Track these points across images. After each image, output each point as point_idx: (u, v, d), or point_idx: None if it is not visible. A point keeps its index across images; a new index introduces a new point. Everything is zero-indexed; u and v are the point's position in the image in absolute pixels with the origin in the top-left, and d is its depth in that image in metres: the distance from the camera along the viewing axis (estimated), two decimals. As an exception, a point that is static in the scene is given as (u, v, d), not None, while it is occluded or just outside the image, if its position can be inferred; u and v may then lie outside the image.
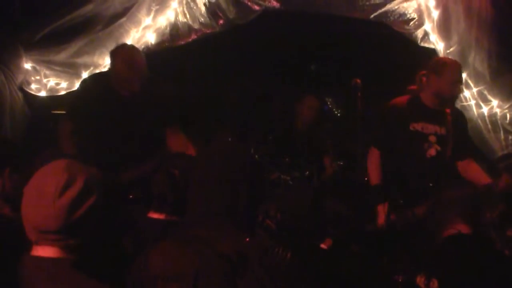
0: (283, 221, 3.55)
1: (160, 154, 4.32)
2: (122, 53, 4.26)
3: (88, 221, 2.07)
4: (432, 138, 4.41)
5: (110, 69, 4.38)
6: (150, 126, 4.39)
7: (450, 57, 4.61)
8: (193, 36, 4.94)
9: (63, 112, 4.69)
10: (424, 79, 4.43)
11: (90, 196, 2.08)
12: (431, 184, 4.16)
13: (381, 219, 4.11)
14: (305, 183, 4.61)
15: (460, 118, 4.53)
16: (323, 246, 2.81)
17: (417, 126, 4.43)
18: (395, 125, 4.37)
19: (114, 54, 4.31)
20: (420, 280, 2.92)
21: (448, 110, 4.46)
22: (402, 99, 4.49)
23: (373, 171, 4.52)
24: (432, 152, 4.41)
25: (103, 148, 4.30)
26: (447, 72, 4.32)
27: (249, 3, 4.83)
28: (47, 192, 2.00)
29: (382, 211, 4.09)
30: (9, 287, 1.98)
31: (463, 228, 2.85)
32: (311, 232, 3.16)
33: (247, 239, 2.04)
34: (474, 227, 2.82)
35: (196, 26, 4.89)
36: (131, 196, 4.11)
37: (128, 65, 4.21)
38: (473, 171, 4.45)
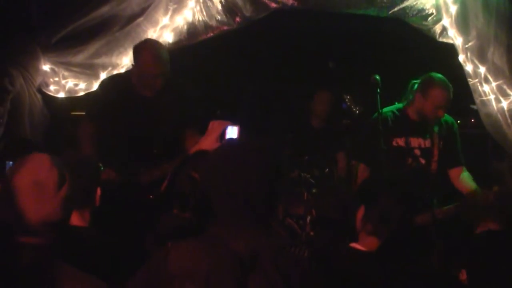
0: (314, 222, 3.54)
1: (180, 155, 4.32)
2: (148, 47, 4.22)
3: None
4: (417, 152, 4.49)
5: (132, 68, 4.33)
6: (172, 128, 4.38)
7: (468, 52, 4.59)
8: (210, 34, 4.94)
9: (82, 113, 4.71)
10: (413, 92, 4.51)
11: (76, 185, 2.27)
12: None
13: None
14: (343, 184, 4.64)
15: (448, 126, 4.61)
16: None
17: (400, 142, 4.49)
18: (376, 136, 4.32)
19: (139, 49, 4.25)
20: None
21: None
22: (386, 113, 4.51)
23: None
24: (415, 166, 4.49)
25: (123, 150, 4.30)
26: (432, 96, 4.38)
27: (266, 1, 4.81)
28: (47, 187, 2.12)
29: None
30: None
31: (492, 225, 2.92)
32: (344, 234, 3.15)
33: (262, 238, 2.05)
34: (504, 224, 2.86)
35: (213, 23, 4.89)
36: (151, 197, 4.11)
37: (154, 59, 4.16)
38: (462, 179, 4.54)
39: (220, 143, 2.90)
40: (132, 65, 4.33)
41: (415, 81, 4.57)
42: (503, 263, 2.72)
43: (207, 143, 3.00)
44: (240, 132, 3.00)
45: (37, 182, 2.11)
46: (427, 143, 4.53)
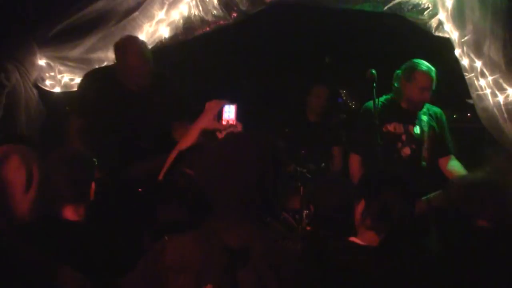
0: (314, 216, 3.53)
1: (174, 148, 4.31)
2: (132, 47, 4.24)
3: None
4: (404, 137, 4.61)
5: (114, 64, 4.37)
6: (160, 121, 4.40)
7: (465, 46, 4.58)
8: (206, 29, 4.94)
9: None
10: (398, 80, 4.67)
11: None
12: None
13: None
14: (342, 178, 4.69)
15: (437, 117, 4.75)
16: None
17: (390, 127, 4.62)
18: (369, 128, 4.38)
19: (122, 47, 4.27)
20: None
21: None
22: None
23: (355, 176, 4.65)
24: (406, 151, 4.62)
25: (111, 144, 4.30)
26: (416, 79, 4.55)
27: (262, -5, 4.82)
28: (15, 188, 2.12)
29: None
30: None
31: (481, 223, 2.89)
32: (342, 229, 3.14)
33: (256, 233, 2.06)
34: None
35: (209, 18, 4.88)
36: (140, 190, 4.11)
37: (140, 58, 4.19)
38: (450, 167, 4.68)
39: (217, 122, 2.88)
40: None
41: (398, 71, 4.72)
42: (494, 262, 2.70)
43: (205, 122, 2.97)
44: (238, 110, 2.94)
45: (3, 185, 2.09)
46: (417, 130, 4.65)
